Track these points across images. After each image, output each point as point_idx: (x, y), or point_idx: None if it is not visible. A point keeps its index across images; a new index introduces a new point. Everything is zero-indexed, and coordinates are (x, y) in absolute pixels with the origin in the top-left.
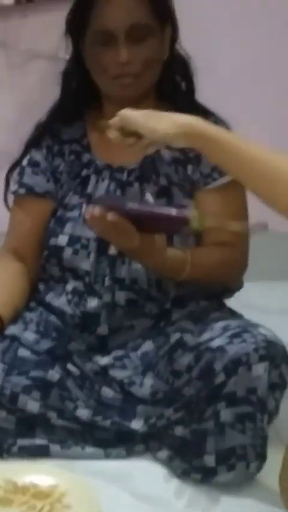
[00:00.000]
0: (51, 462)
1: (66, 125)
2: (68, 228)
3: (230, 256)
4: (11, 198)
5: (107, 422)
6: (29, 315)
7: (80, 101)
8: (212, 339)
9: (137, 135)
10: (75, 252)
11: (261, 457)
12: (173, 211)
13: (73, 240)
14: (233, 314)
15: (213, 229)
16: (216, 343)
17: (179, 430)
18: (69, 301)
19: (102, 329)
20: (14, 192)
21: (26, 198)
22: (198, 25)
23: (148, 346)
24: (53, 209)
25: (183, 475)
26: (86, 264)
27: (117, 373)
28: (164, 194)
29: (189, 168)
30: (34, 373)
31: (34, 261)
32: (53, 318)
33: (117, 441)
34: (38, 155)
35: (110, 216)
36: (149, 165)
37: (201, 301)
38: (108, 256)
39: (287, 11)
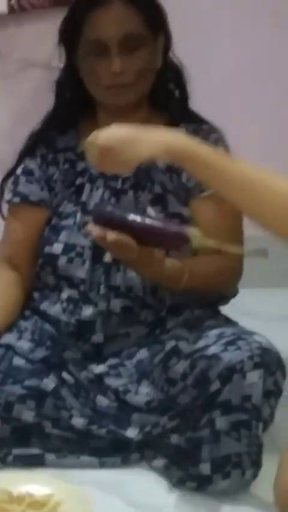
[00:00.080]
0: (47, 471)
1: (60, 134)
2: (63, 236)
3: (227, 265)
4: (5, 207)
5: (102, 431)
6: (23, 324)
7: (74, 109)
8: (207, 347)
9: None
10: (70, 260)
11: (257, 465)
12: (174, 228)
13: (68, 248)
14: (228, 321)
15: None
16: (211, 350)
17: (174, 438)
18: (64, 310)
19: (98, 337)
20: (9, 201)
21: (20, 207)
22: (198, 25)
23: (143, 354)
24: (48, 217)
25: (179, 483)
26: (81, 272)
27: (112, 382)
28: (159, 202)
29: (184, 175)
30: (29, 382)
31: (29, 270)
32: (47, 327)
33: (112, 450)
34: (32, 164)
35: (110, 236)
36: (143, 173)
37: (196, 309)
38: (103, 264)
39: (287, 11)
